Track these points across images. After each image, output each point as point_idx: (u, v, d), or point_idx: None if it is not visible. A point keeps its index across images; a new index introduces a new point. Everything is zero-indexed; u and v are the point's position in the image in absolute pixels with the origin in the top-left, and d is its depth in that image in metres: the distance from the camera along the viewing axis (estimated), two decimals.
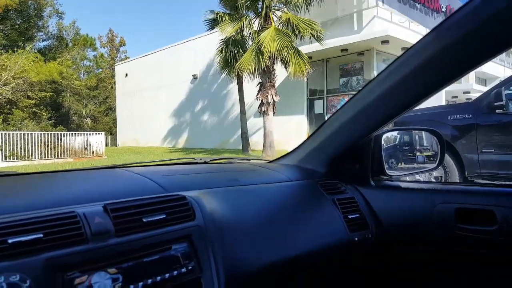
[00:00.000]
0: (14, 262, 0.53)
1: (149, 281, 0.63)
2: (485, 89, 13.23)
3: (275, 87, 11.71)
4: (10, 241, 0.54)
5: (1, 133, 12.44)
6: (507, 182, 4.36)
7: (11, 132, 13.02)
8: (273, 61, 11.41)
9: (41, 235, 0.57)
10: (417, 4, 13.77)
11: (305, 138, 1.30)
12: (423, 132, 1.49)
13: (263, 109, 11.55)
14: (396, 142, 1.46)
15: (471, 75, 17.29)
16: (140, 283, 0.62)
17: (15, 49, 22.24)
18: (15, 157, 12.39)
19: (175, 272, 0.67)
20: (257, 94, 11.71)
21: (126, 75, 23.81)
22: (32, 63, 22.16)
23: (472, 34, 0.78)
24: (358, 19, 13.13)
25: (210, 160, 1.35)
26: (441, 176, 4.95)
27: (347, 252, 1.03)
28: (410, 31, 13.15)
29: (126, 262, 0.63)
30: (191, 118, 19.54)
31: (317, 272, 0.98)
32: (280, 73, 12.31)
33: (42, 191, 0.78)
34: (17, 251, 0.54)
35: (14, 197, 0.71)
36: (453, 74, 0.87)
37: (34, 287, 0.53)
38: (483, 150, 4.60)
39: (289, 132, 14.06)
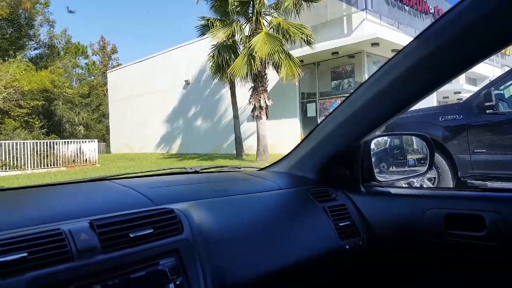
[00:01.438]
0: None
1: None
2: (475, 89, 13.34)
3: (268, 91, 11.74)
4: None
5: None
6: (496, 187, 4.39)
7: (2, 141, 12.85)
8: (265, 66, 11.46)
9: (26, 254, 0.56)
10: (405, 6, 13.91)
11: (299, 141, 1.30)
12: (413, 137, 1.50)
13: (256, 113, 11.56)
14: (387, 146, 1.47)
15: (462, 75, 17.44)
16: None
17: (6, 59, 22.09)
18: (8, 167, 12.23)
19: None
20: (250, 99, 11.73)
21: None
22: (23, 72, 22.05)
23: (460, 38, 0.78)
24: (348, 22, 13.22)
25: (201, 170, 1.34)
26: (434, 177, 4.97)
27: (338, 260, 1.02)
28: (400, 33, 13.27)
29: (113, 279, 0.62)
30: (184, 123, 19.49)
31: (308, 281, 0.97)
32: (272, 77, 12.35)
33: (27, 208, 0.76)
34: (0, 271, 0.53)
35: None
36: (442, 77, 0.88)
37: None
38: (475, 151, 4.62)
39: (282, 135, 14.08)
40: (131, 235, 0.68)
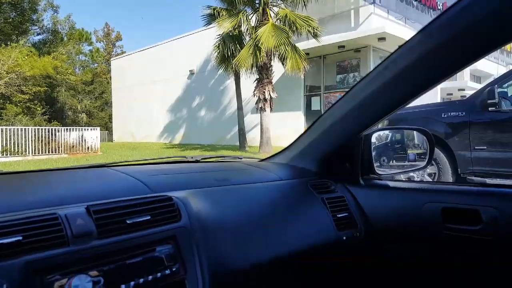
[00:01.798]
0: None
1: (132, 283, 0.62)
2: (479, 86, 13.23)
3: (272, 84, 11.70)
4: None
5: None
6: (492, 182, 4.40)
7: (4, 127, 12.83)
8: (271, 57, 11.40)
9: (21, 238, 0.56)
10: (413, 1, 13.78)
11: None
12: (414, 131, 1.50)
13: (260, 106, 11.54)
14: (388, 140, 1.47)
15: (466, 72, 17.36)
16: (122, 286, 0.61)
17: (9, 43, 22.04)
18: (9, 153, 12.24)
19: (159, 274, 0.66)
20: (254, 90, 11.70)
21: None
22: (26, 57, 22.00)
23: (463, 33, 0.78)
24: (355, 16, 13.12)
25: (202, 159, 1.34)
26: (434, 173, 4.98)
27: (335, 251, 1.03)
28: (407, 28, 13.16)
29: (108, 265, 0.62)
30: (188, 113, 19.49)
31: (305, 271, 0.98)
32: (277, 69, 12.29)
33: (24, 192, 0.76)
34: None
35: None
36: (444, 72, 0.88)
37: None
38: (476, 148, 4.63)
39: (286, 128, 14.06)
40: (128, 222, 0.68)
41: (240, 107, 13.50)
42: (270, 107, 11.59)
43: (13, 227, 0.57)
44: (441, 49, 0.83)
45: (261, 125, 11.71)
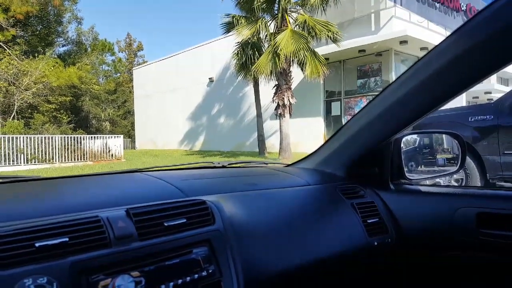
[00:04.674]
0: (41, 265, 0.55)
1: (171, 284, 0.64)
2: (507, 89, 12.88)
3: (292, 89, 11.69)
4: (37, 244, 0.56)
5: (23, 137, 12.77)
6: None
7: (32, 136, 13.32)
8: (290, 63, 11.39)
9: (67, 239, 0.59)
10: (436, 3, 13.53)
11: (322, 140, 1.30)
12: (443, 135, 1.46)
13: (279, 112, 11.54)
14: (416, 145, 1.44)
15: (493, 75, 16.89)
16: (162, 286, 0.63)
17: (36, 55, 22.86)
18: (37, 160, 12.68)
19: (196, 276, 0.68)
20: (274, 97, 11.71)
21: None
22: (52, 68, 22.76)
23: (496, 36, 0.76)
24: (376, 20, 12.98)
25: (228, 164, 1.35)
26: (462, 179, 4.84)
27: (366, 257, 1.02)
28: (429, 31, 12.94)
29: (148, 266, 0.64)
30: (207, 121, 19.67)
31: (336, 276, 0.97)
32: (297, 75, 12.27)
33: (66, 196, 0.80)
34: (44, 254, 0.56)
35: (40, 201, 0.73)
36: (476, 76, 0.86)
37: None
38: (505, 152, 4.48)
39: (305, 134, 13.99)
40: (165, 224, 0.70)
41: (259, 114, 13.53)
42: (290, 113, 11.56)
43: (60, 229, 0.60)
44: (474, 53, 0.81)
45: (281, 131, 11.69)
